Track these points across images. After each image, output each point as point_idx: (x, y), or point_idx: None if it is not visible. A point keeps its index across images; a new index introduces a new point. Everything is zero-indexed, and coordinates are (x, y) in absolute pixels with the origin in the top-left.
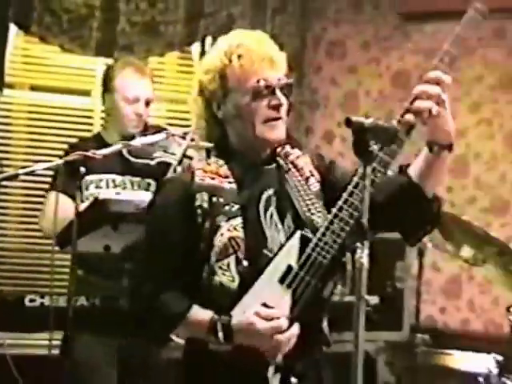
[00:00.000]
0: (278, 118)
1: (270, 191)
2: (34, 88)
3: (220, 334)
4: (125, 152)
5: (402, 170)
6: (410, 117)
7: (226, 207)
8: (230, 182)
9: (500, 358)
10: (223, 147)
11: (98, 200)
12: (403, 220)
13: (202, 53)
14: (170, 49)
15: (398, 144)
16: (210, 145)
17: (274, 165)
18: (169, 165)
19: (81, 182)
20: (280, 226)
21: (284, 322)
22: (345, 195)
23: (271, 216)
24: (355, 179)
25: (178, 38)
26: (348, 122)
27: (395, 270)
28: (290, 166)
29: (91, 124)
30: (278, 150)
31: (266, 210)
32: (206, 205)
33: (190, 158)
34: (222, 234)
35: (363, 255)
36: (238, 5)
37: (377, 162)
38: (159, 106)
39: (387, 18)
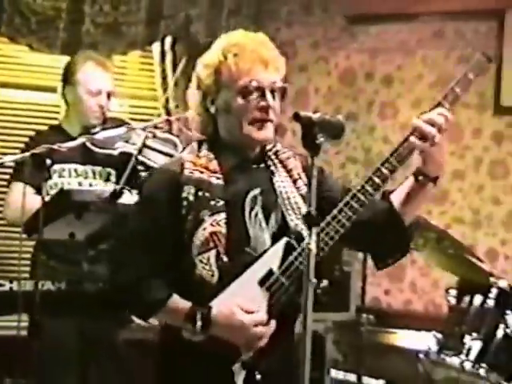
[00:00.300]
0: (266, 120)
1: (257, 190)
2: (3, 85)
3: (198, 323)
4: (88, 142)
5: (385, 195)
6: (414, 140)
7: (212, 202)
8: (217, 178)
9: (439, 335)
10: (214, 141)
11: (63, 190)
12: (376, 244)
13: (162, 52)
14: (131, 48)
15: (389, 168)
16: (171, 137)
17: (263, 164)
18: (130, 155)
19: (47, 173)
20: (264, 225)
21: (264, 316)
22: (335, 211)
23: (256, 215)
24: (347, 198)
25: (140, 37)
26: (297, 117)
27: (342, 254)
28: (279, 165)
29: (57, 118)
30: (268, 147)
31: (251, 209)
32: (191, 197)
33: (150, 148)
34: (204, 228)
35: (311, 242)
36: (196, 7)
37: (369, 185)
38: (122, 101)
39: (335, 20)
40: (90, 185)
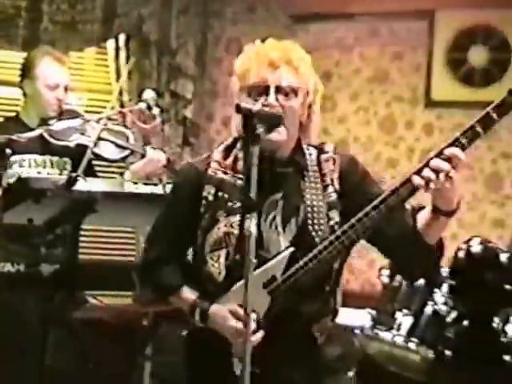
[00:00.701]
0: None
1: (278, 195)
2: None
3: (197, 317)
4: (46, 135)
5: (414, 210)
6: (418, 181)
7: (229, 203)
8: (240, 179)
9: (373, 312)
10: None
11: (21, 178)
12: (402, 260)
13: (117, 48)
14: (87, 45)
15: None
16: (124, 129)
17: (293, 168)
18: (85, 146)
19: (6, 162)
20: (281, 229)
21: (251, 326)
22: (345, 226)
23: (273, 219)
24: (361, 215)
25: (95, 35)
26: (237, 108)
27: None
28: (314, 169)
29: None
30: (308, 149)
31: (268, 213)
32: (211, 197)
33: (105, 140)
34: (218, 228)
35: (251, 225)
36: (148, 6)
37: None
38: (80, 95)
39: (277, 18)
40: (48, 174)
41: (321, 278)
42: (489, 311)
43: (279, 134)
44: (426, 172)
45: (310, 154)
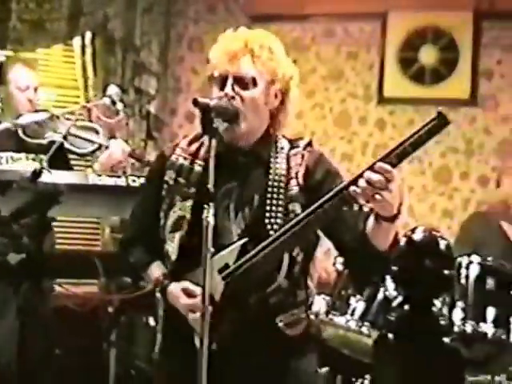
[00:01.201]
0: None
1: (233, 184)
2: None
3: (157, 294)
4: (20, 133)
5: (366, 215)
6: (354, 188)
7: (184, 188)
8: (199, 165)
9: (328, 298)
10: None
11: None
12: (352, 264)
13: (83, 46)
14: (54, 42)
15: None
16: (93, 125)
17: (252, 158)
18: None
19: None
20: (233, 217)
21: (198, 302)
22: (286, 227)
23: (227, 206)
24: (305, 213)
25: (62, 33)
26: (195, 102)
27: None
28: (281, 161)
29: None
30: (279, 141)
31: (222, 200)
32: (171, 182)
33: (75, 136)
34: (174, 212)
35: (209, 215)
36: (113, 5)
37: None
38: (48, 91)
39: (237, 18)
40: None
41: (276, 269)
42: (429, 295)
43: (237, 127)
44: (361, 182)
45: (282, 147)
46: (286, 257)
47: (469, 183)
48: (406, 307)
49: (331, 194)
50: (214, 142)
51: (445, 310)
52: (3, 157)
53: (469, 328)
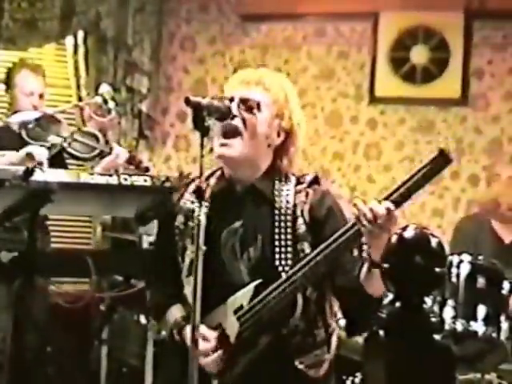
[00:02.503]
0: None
1: (238, 223)
2: None
3: (176, 335)
4: (24, 135)
5: (361, 262)
6: (357, 213)
7: (193, 231)
8: (206, 207)
9: None
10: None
11: None
12: (349, 307)
13: (75, 45)
14: (47, 41)
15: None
16: (93, 130)
17: (254, 196)
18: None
19: None
20: (239, 256)
21: (211, 346)
22: (296, 268)
23: (233, 246)
24: (318, 257)
25: (54, 32)
26: (187, 101)
27: None
28: (284, 200)
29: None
30: (280, 181)
31: (227, 240)
32: (182, 226)
33: (76, 141)
34: (187, 255)
35: (201, 213)
36: (105, 4)
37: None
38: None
39: (229, 17)
40: None
41: (289, 310)
42: (420, 293)
43: (235, 144)
44: (365, 209)
45: (287, 185)
46: (300, 297)
47: (459, 182)
48: (397, 304)
49: (339, 233)
50: (205, 140)
51: (436, 308)
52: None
53: (459, 326)
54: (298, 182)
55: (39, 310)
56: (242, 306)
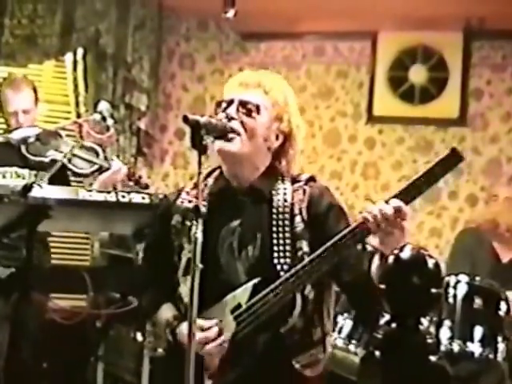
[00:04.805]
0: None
1: (236, 222)
2: None
3: (167, 333)
4: (24, 151)
5: (371, 254)
6: (367, 215)
7: (190, 230)
8: (204, 206)
9: None
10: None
11: None
12: (354, 302)
13: (75, 62)
14: (46, 58)
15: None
16: (94, 145)
17: (253, 196)
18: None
19: None
20: (237, 255)
21: (214, 332)
22: (298, 266)
23: (230, 245)
24: (313, 256)
25: (54, 49)
26: (185, 119)
27: None
28: (282, 198)
29: None
30: (280, 176)
31: (225, 239)
32: (179, 226)
33: (76, 156)
34: (184, 255)
35: (198, 231)
36: (104, 21)
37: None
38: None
39: (229, 36)
40: None
41: (288, 309)
42: (416, 314)
43: (233, 144)
44: (374, 210)
45: (284, 184)
46: (299, 296)
47: (457, 202)
48: (393, 325)
49: (343, 233)
50: (203, 158)
51: (432, 329)
52: (8, 171)
53: (456, 347)
54: (295, 181)
55: (35, 326)
56: (239, 305)
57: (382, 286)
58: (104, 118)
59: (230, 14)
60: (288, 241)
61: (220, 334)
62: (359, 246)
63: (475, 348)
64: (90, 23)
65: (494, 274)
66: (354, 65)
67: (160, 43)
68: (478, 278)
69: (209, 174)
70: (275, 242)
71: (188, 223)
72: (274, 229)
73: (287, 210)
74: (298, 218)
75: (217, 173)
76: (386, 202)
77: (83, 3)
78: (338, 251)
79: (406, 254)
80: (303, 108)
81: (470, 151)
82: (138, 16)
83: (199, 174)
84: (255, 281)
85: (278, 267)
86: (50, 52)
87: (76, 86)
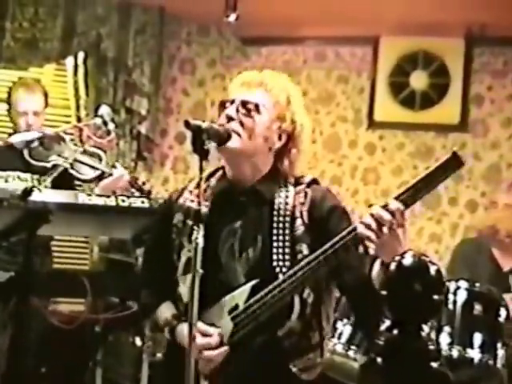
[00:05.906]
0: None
1: (237, 224)
2: None
3: (166, 333)
4: (26, 155)
5: (372, 259)
6: (362, 229)
7: (191, 229)
8: (206, 206)
9: None
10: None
11: None
12: (355, 307)
13: (75, 66)
14: (47, 61)
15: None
16: (97, 150)
17: (254, 198)
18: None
19: None
20: (238, 256)
21: (215, 340)
22: (296, 268)
23: (231, 246)
24: (310, 258)
25: (55, 52)
26: (187, 124)
27: None
28: (283, 201)
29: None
30: (282, 178)
31: (226, 240)
32: (180, 225)
33: (79, 162)
34: (184, 254)
35: (199, 236)
36: (106, 26)
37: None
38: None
39: (229, 40)
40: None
41: (286, 312)
42: (418, 320)
43: (232, 141)
44: (368, 220)
45: (287, 187)
46: (298, 299)
47: (457, 208)
48: (395, 331)
49: (341, 235)
50: (204, 163)
51: (432, 335)
52: (10, 175)
53: (455, 353)
54: (297, 183)
55: (34, 330)
56: (237, 306)
57: (384, 292)
58: (105, 122)
59: (232, 18)
60: (288, 244)
61: (221, 342)
62: (361, 249)
63: (475, 354)
64: (92, 27)
65: (495, 283)
66: (354, 70)
67: (161, 48)
68: (477, 284)
69: (212, 175)
70: (275, 244)
71: (190, 222)
72: (275, 231)
73: (288, 212)
74: (298, 221)
75: (220, 173)
76: (385, 204)
77: (84, 7)
78: (337, 253)
79: (407, 261)
80: None
81: (470, 157)
82: (139, 20)
83: (200, 179)
84: (253, 282)
85: (277, 270)
86: (51, 56)
87: (77, 90)
